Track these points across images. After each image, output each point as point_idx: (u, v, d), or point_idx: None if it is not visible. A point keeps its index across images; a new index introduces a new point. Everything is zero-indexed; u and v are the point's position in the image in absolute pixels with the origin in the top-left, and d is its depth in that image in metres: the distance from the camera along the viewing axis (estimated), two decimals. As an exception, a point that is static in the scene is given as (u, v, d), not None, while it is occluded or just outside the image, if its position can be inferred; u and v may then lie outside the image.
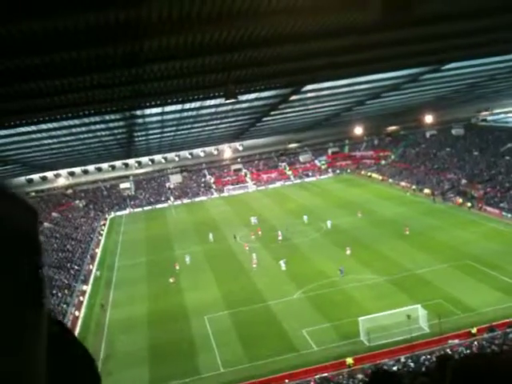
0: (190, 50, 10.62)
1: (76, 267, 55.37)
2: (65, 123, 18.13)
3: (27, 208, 0.73)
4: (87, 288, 51.10)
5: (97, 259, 61.47)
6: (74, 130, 20.27)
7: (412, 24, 10.58)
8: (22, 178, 40.62)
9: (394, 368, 27.71)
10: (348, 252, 48.88)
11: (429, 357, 28.91)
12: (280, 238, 57.32)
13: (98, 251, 65.23)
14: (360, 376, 28.71)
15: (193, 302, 43.03)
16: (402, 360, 29.61)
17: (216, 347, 34.79)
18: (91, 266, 58.03)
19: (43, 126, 17.98)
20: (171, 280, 48.28)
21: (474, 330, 31.90)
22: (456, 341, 31.45)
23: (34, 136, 19.80)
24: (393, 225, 56.64)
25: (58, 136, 21.11)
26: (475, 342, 30.45)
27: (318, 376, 29.58)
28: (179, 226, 71.71)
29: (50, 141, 22.10)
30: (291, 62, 13.27)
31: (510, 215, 55.92)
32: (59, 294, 45.67)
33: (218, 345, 35.05)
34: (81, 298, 47.93)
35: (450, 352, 28.52)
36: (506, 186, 63.08)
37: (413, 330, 31.70)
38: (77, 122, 18.30)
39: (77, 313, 44.05)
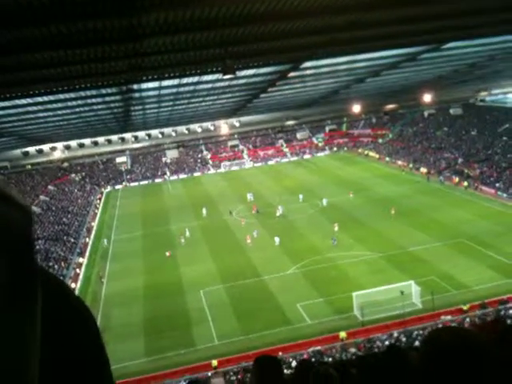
0: (189, 24, 10.54)
1: (72, 240, 55.58)
2: (61, 96, 18.00)
3: (21, 208, 0.72)
4: (83, 261, 51.40)
5: (93, 232, 61.67)
6: (70, 104, 20.13)
7: (412, 3, 10.51)
8: (18, 151, 40.39)
9: (386, 343, 28.23)
10: (336, 228, 49.23)
11: (421, 332, 29.44)
12: (278, 213, 57.45)
13: (95, 224, 65.39)
14: (353, 350, 29.22)
15: (189, 275, 43.39)
16: (395, 335, 30.14)
17: (211, 320, 35.24)
18: (87, 239, 58.25)
19: (39, 99, 17.86)
20: (167, 254, 48.60)
21: (467, 307, 32.40)
22: (448, 317, 31.97)
23: (29, 108, 19.68)
24: (388, 203, 56.83)
25: (54, 109, 20.98)
26: (467, 319, 30.98)
27: (311, 349, 30.06)
28: (175, 201, 71.78)
29: (45, 114, 21.97)
30: (290, 38, 13.17)
31: (505, 195, 56.20)
32: (55, 267, 45.98)
33: (213, 318, 35.51)
34: (77, 271, 48.27)
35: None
36: (502, 166, 63.24)
37: (406, 306, 32.16)
38: (73, 95, 18.17)
39: (73, 285, 44.37)
